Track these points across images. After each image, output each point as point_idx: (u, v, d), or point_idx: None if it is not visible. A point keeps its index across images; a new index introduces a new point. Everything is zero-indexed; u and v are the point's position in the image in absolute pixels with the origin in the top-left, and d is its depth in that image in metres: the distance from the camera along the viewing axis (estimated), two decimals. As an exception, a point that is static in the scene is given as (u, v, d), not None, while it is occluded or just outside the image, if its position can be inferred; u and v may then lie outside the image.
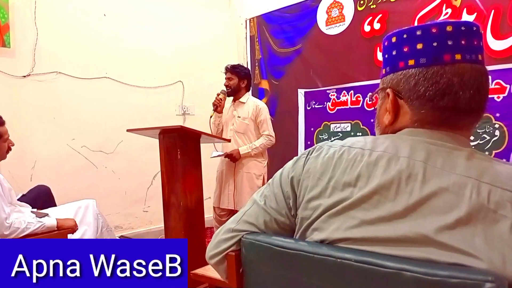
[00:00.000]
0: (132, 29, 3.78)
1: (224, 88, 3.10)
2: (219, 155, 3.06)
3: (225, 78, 3.13)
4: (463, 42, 0.70)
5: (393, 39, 0.76)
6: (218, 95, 3.07)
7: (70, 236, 2.36)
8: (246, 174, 3.09)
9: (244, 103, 3.12)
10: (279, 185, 0.83)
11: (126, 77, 3.74)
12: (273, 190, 0.84)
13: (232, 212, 3.13)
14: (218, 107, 3.05)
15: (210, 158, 3.07)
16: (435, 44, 0.70)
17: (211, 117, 3.11)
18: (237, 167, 3.08)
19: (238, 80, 3.09)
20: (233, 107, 3.16)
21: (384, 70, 0.79)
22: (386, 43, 0.79)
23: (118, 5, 3.70)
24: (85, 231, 2.48)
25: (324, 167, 0.76)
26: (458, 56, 0.70)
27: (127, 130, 2.70)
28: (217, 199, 3.19)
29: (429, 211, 0.63)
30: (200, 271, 1.62)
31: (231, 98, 3.18)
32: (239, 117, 3.10)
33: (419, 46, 0.72)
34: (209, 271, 1.52)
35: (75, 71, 3.42)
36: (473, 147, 0.72)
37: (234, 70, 3.10)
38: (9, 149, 2.33)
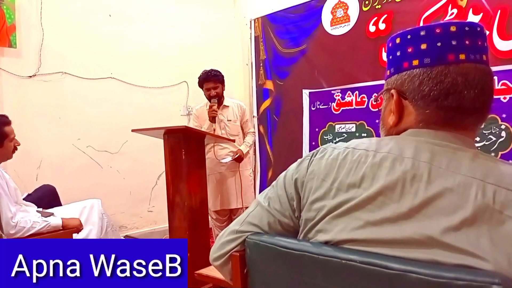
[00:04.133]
0: (137, 30, 3.79)
1: (211, 99, 3.07)
2: (231, 159, 3.08)
3: (210, 88, 3.07)
4: (467, 42, 0.70)
5: (397, 40, 0.76)
6: (211, 106, 3.04)
7: (75, 236, 2.37)
8: (245, 171, 3.21)
9: (228, 106, 3.19)
10: (283, 187, 0.83)
11: (131, 77, 3.75)
12: (277, 191, 0.84)
13: (232, 211, 3.21)
14: (215, 117, 3.05)
15: (224, 163, 3.11)
16: (439, 44, 0.70)
17: (214, 129, 3.09)
18: (239, 166, 3.15)
19: (222, 87, 3.13)
20: (219, 111, 3.12)
21: (388, 71, 0.79)
22: (390, 45, 0.79)
23: (123, 5, 3.71)
24: (90, 231, 2.49)
25: (328, 169, 0.76)
26: (462, 56, 0.69)
27: (132, 130, 2.71)
28: (218, 202, 3.15)
29: (434, 212, 0.62)
30: (204, 271, 1.63)
31: (206, 102, 3.19)
32: (230, 120, 3.15)
33: (423, 46, 0.72)
34: (213, 271, 1.52)
35: (80, 71, 3.44)
36: (478, 148, 0.72)
37: (218, 79, 3.09)
38: (15, 148, 2.35)
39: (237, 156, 3.08)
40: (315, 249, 0.71)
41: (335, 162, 0.76)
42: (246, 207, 3.15)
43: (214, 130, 3.07)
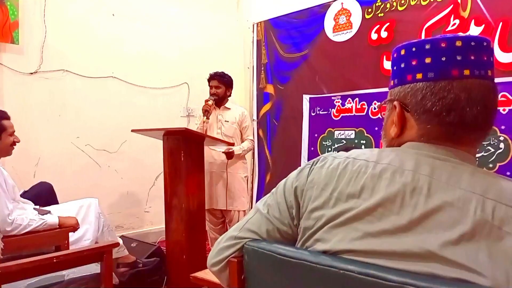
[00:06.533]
0: (140, 30, 3.80)
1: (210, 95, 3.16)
2: (223, 150, 3.09)
3: (212, 86, 3.19)
4: (472, 57, 0.70)
5: (402, 52, 0.76)
6: (207, 101, 3.11)
7: (71, 235, 2.36)
8: (237, 175, 3.21)
9: (229, 108, 3.24)
10: (282, 194, 0.83)
11: (132, 77, 3.76)
12: (277, 199, 0.84)
13: (226, 215, 3.21)
14: (208, 112, 3.09)
15: (215, 151, 3.14)
16: (443, 58, 0.70)
17: (204, 122, 3.12)
18: (228, 167, 3.14)
19: (225, 89, 3.20)
20: (218, 111, 3.22)
21: (392, 81, 0.79)
22: (395, 55, 0.79)
23: (127, 6, 3.72)
24: (86, 230, 2.48)
25: (328, 178, 0.76)
26: (466, 72, 0.69)
27: (132, 131, 2.71)
28: (209, 200, 3.14)
29: (434, 226, 0.63)
30: (200, 274, 1.62)
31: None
32: (227, 121, 3.20)
33: (428, 60, 0.71)
34: (209, 274, 1.52)
35: (82, 70, 3.44)
36: (477, 160, 0.71)
37: (222, 79, 3.19)
38: (13, 144, 2.34)
39: (230, 150, 3.04)
40: (314, 258, 0.71)
41: (335, 171, 0.76)
42: (238, 211, 3.18)
43: (204, 122, 3.11)
